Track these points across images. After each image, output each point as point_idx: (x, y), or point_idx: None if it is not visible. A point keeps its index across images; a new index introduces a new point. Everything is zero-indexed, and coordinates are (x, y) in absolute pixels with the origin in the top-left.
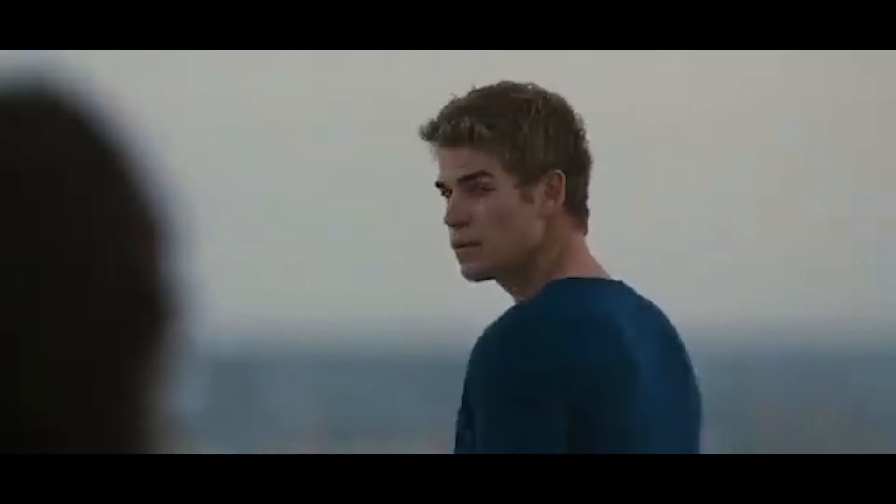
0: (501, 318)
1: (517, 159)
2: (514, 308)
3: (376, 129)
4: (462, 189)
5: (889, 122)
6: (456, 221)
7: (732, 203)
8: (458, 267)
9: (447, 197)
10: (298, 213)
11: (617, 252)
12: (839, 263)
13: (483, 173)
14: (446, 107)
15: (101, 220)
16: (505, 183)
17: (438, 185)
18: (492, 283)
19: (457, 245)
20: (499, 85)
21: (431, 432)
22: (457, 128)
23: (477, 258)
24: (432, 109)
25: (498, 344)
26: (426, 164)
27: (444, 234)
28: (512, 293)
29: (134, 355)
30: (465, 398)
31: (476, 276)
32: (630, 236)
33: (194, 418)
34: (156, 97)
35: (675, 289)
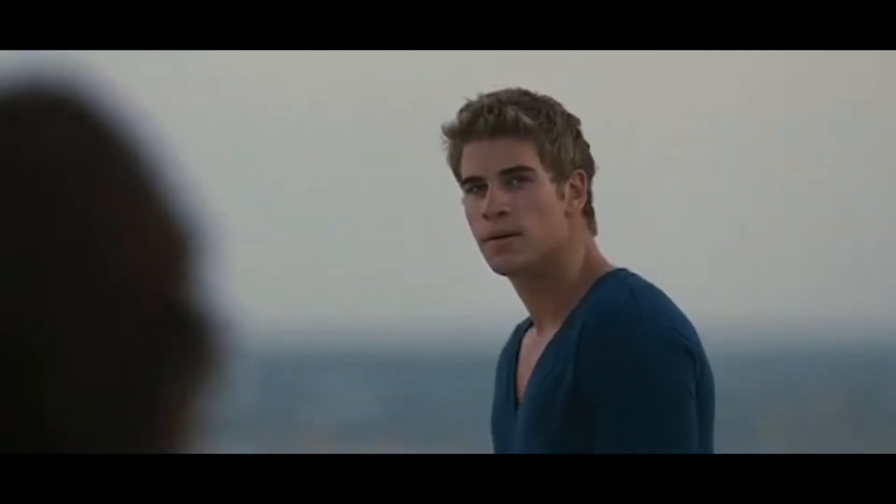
0: (613, 302)
1: (554, 154)
2: (616, 291)
3: (392, 129)
4: (501, 181)
5: (889, 122)
6: (498, 211)
7: (732, 203)
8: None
9: (474, 193)
10: (314, 214)
11: (619, 252)
12: (840, 263)
13: (525, 167)
14: (475, 103)
15: (119, 222)
16: (543, 176)
17: (471, 179)
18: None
19: (495, 236)
20: (515, 88)
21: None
22: (501, 117)
23: (519, 249)
24: (433, 109)
25: (641, 314)
26: (436, 164)
27: (453, 233)
28: (532, 292)
29: (158, 358)
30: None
31: (516, 268)
32: (633, 237)
33: (218, 417)
34: (160, 97)
35: (676, 289)
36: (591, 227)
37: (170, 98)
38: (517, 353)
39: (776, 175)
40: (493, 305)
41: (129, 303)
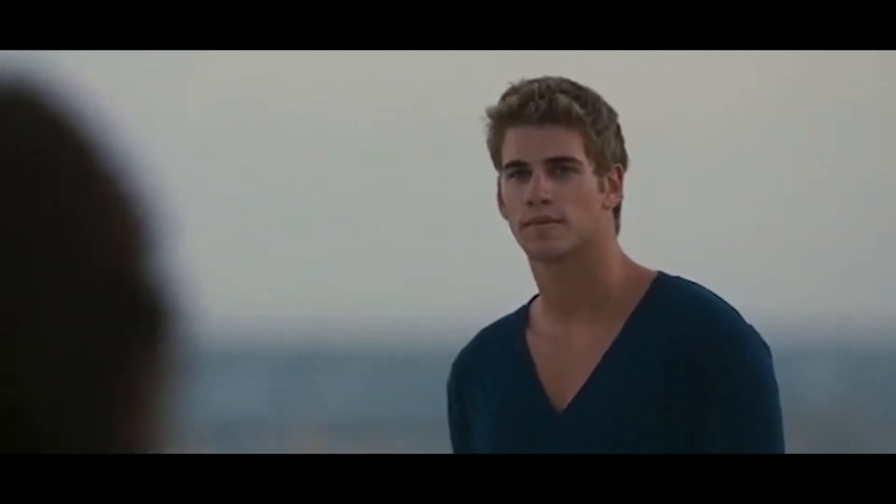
0: (710, 305)
1: (598, 146)
2: (710, 298)
3: (378, 129)
4: (546, 169)
5: (889, 121)
6: (543, 198)
7: (733, 202)
8: (430, 260)
9: (515, 178)
10: (315, 213)
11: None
12: (841, 263)
13: (572, 158)
14: (524, 87)
15: (80, 216)
16: (586, 167)
17: (514, 164)
18: (487, 279)
19: (539, 221)
20: (558, 77)
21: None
22: (553, 105)
23: (560, 236)
24: (432, 109)
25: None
26: (420, 164)
27: (441, 234)
28: (569, 282)
29: (122, 356)
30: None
31: (557, 253)
32: (633, 236)
33: (192, 417)
34: (154, 97)
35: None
36: (617, 226)
37: (170, 98)
38: (527, 356)
39: (775, 175)
40: (491, 303)
41: (86, 289)
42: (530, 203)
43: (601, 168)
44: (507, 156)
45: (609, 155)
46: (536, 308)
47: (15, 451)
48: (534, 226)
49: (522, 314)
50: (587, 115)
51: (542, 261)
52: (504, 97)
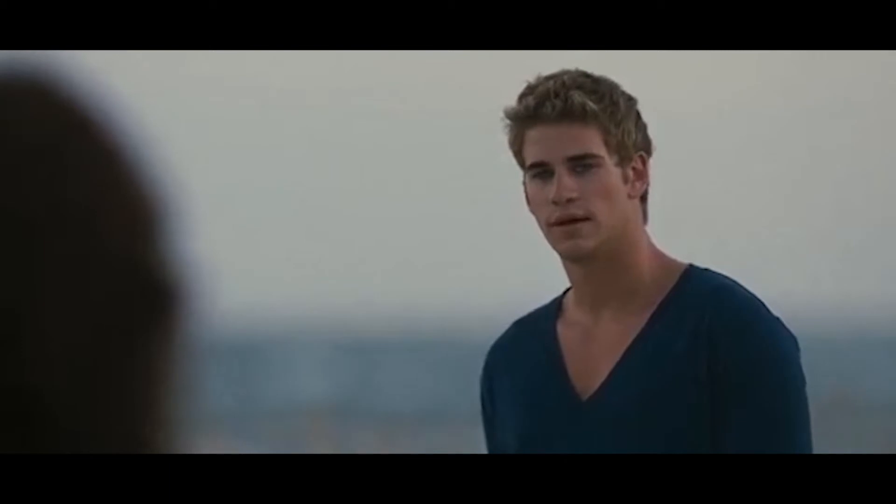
0: (742, 297)
1: (618, 138)
2: (734, 288)
3: (383, 124)
4: (568, 167)
5: (889, 121)
6: (567, 197)
7: (732, 200)
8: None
9: (539, 178)
10: (310, 205)
11: None
12: (840, 260)
13: (593, 154)
14: (539, 87)
15: (94, 203)
16: (609, 161)
17: (537, 164)
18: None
19: (567, 220)
20: (574, 70)
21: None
22: (568, 103)
23: (588, 234)
24: (432, 108)
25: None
26: (415, 162)
27: (438, 230)
28: (597, 277)
29: (135, 345)
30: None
31: (586, 252)
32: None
33: (202, 409)
34: (160, 92)
35: None
36: (645, 214)
37: (170, 97)
38: (555, 345)
39: (774, 174)
40: (487, 296)
41: (100, 274)
42: (555, 202)
43: (623, 159)
44: (529, 157)
45: (630, 144)
46: (569, 298)
47: (31, 440)
48: (561, 226)
49: (555, 304)
50: (603, 109)
51: (571, 260)
52: (521, 98)
